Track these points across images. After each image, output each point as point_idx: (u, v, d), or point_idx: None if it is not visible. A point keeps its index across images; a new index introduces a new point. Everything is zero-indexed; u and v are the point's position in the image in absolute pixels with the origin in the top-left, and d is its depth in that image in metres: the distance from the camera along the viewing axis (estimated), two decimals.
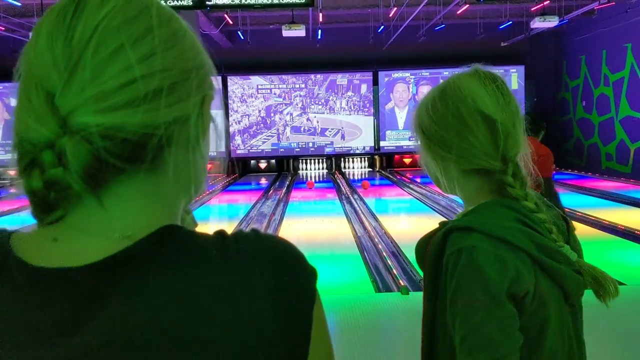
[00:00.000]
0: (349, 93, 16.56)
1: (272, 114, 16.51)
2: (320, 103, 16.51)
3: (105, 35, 0.56)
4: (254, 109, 16.44)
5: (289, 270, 0.61)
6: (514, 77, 16.48)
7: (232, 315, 0.55)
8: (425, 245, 1.18)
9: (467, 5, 11.88)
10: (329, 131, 16.57)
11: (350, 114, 16.56)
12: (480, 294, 1.02)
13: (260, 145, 16.45)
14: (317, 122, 16.52)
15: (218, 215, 10.21)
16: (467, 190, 1.19)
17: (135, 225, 0.58)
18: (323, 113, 16.51)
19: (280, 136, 16.47)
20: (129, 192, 0.58)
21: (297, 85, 16.46)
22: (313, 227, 8.27)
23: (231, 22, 13.63)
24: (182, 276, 0.56)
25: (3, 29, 12.56)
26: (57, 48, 0.55)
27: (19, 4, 11.20)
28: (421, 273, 4.18)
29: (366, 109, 16.57)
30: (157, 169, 0.59)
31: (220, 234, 0.61)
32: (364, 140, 16.60)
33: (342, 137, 16.57)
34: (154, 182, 0.60)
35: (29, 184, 0.55)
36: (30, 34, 0.61)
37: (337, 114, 16.54)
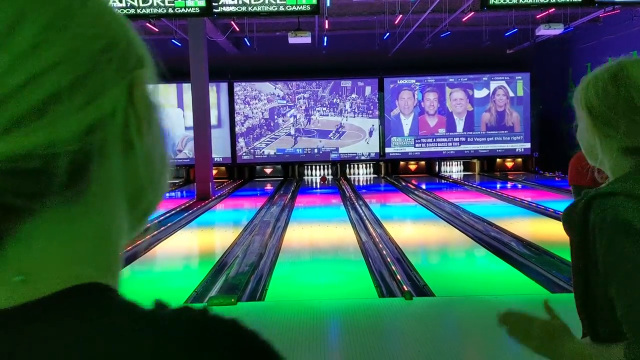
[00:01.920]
0: (353, 95, 16.60)
1: (275, 117, 16.56)
2: (324, 105, 16.55)
3: None
4: (257, 111, 16.50)
5: None
6: (519, 84, 16.49)
7: None
8: (570, 214, 1.23)
9: (473, 13, 11.92)
10: (333, 134, 16.58)
11: (355, 117, 16.60)
12: (634, 252, 1.05)
13: (263, 148, 16.47)
14: (320, 123, 16.56)
15: (223, 221, 10.24)
16: (620, 167, 1.24)
17: (45, 273, 0.43)
18: (327, 115, 16.54)
19: (285, 139, 16.50)
20: (38, 235, 0.43)
21: (301, 88, 16.54)
22: (318, 232, 8.29)
23: (238, 29, 13.71)
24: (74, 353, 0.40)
25: None
26: None
27: None
28: (425, 278, 4.18)
29: (370, 112, 16.59)
30: (77, 198, 0.44)
31: (158, 306, 0.44)
32: (369, 142, 16.60)
33: (339, 137, 16.55)
34: (74, 217, 0.44)
35: None
36: None
37: (341, 116, 16.56)
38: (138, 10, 8.47)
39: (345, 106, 16.53)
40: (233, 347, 0.42)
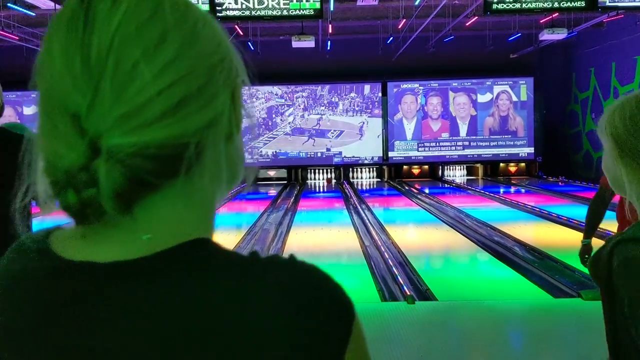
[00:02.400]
0: (352, 94, 16.61)
1: (273, 116, 16.58)
2: (322, 104, 16.57)
3: (121, 48, 0.53)
4: (254, 110, 16.54)
5: (320, 308, 0.54)
6: (523, 89, 16.48)
7: (252, 331, 0.52)
8: (597, 261, 1.19)
9: (476, 17, 11.92)
10: (331, 133, 16.58)
11: (353, 116, 16.61)
12: None
13: (261, 147, 16.48)
14: (319, 123, 16.58)
15: (226, 224, 10.24)
16: None
17: (165, 232, 0.56)
18: (325, 114, 16.56)
19: (282, 138, 16.51)
20: (162, 204, 0.55)
21: (299, 87, 16.57)
22: (320, 236, 8.29)
23: (242, 33, 13.75)
24: (198, 288, 0.53)
25: (17, 38, 12.73)
26: (75, 68, 0.53)
27: (33, 14, 11.36)
28: (427, 282, 4.18)
29: (369, 111, 16.58)
30: (192, 176, 0.56)
31: (254, 255, 0.57)
32: (367, 143, 16.59)
33: (338, 136, 16.56)
34: (189, 190, 0.57)
35: (64, 203, 0.54)
36: (40, 46, 0.58)
37: (340, 115, 16.56)
38: None
39: (344, 105, 16.53)
40: (320, 289, 0.55)
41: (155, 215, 0.55)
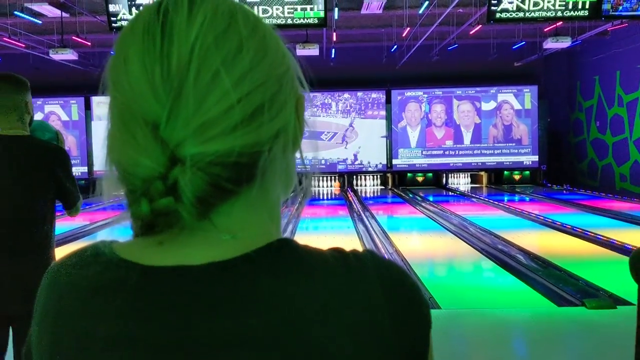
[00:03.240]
0: (346, 95, 16.62)
1: None
2: (315, 105, 16.60)
3: (202, 58, 0.54)
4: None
5: (409, 294, 0.60)
6: (527, 97, 16.49)
7: (351, 320, 0.55)
8: (637, 258, 1.17)
9: (480, 26, 11.96)
10: (325, 134, 16.58)
11: (346, 117, 16.62)
12: None
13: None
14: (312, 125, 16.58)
15: None
16: None
17: (249, 234, 0.58)
18: (319, 116, 16.58)
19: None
20: (237, 208, 0.57)
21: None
22: (324, 244, 8.27)
23: None
24: (300, 281, 0.56)
25: (24, 46, 12.81)
26: (155, 78, 0.54)
27: (40, 22, 11.44)
28: (431, 290, 4.17)
29: (362, 112, 16.58)
30: (266, 181, 0.59)
31: (338, 249, 0.61)
32: (347, 147, 16.54)
33: (343, 139, 16.57)
34: (264, 195, 0.60)
35: (136, 212, 0.55)
36: (113, 56, 0.59)
37: (332, 117, 16.57)
38: None
39: (337, 106, 16.54)
40: (422, 295, 0.61)
41: (235, 219, 0.57)
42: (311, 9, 8.48)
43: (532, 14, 8.69)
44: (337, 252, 0.60)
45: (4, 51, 13.66)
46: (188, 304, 0.54)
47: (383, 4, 10.54)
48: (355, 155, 16.62)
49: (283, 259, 0.57)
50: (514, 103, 16.55)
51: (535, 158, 16.56)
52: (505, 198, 13.97)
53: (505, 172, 16.80)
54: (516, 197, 14.26)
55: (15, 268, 2.38)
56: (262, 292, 0.54)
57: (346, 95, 16.55)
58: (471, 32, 12.68)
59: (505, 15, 8.70)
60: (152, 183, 0.53)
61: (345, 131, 16.58)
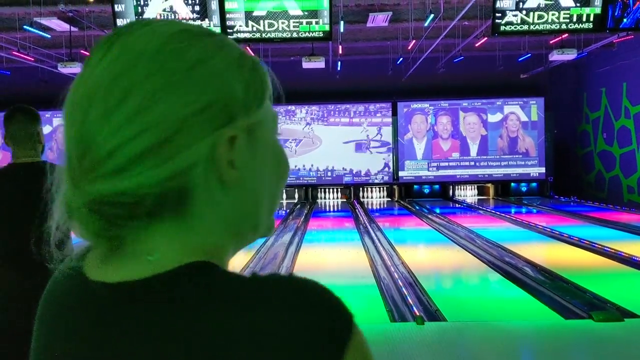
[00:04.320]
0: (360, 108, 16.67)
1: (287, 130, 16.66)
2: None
3: (94, 100, 0.57)
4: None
5: (322, 315, 0.55)
6: (533, 109, 16.48)
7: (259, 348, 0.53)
8: None
9: (486, 38, 11.99)
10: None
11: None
12: None
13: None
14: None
15: None
16: None
17: (165, 258, 0.58)
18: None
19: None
20: (158, 236, 0.58)
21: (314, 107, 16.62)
22: (330, 256, 8.29)
23: (252, 54, 13.90)
24: (206, 312, 0.54)
25: (33, 59, 12.95)
26: (69, 113, 0.60)
27: (49, 36, 11.56)
28: (437, 303, 4.16)
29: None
30: (182, 213, 0.58)
31: (254, 275, 0.57)
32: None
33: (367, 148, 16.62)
34: (181, 225, 0.59)
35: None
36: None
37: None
38: None
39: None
40: (318, 304, 0.56)
41: (152, 245, 0.58)
42: (316, 23, 8.54)
43: (537, 27, 8.71)
44: (250, 281, 0.57)
45: (13, 65, 13.81)
46: (98, 322, 0.58)
47: (389, 18, 10.59)
48: (386, 164, 16.56)
49: (189, 282, 0.56)
50: (520, 115, 16.54)
51: (542, 170, 16.52)
52: (512, 210, 13.93)
53: (512, 184, 16.76)
54: (523, 209, 14.22)
55: (33, 285, 2.42)
56: (156, 317, 0.55)
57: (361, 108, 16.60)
58: (477, 45, 12.71)
59: (510, 28, 8.73)
60: (74, 211, 0.59)
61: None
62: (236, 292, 0.55)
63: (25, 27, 10.81)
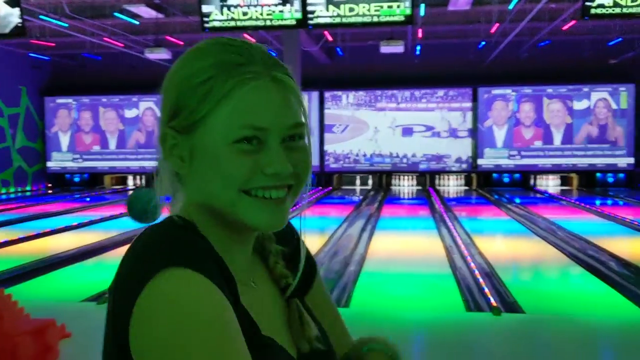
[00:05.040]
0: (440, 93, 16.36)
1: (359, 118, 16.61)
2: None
3: None
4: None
5: (137, 265, 0.73)
6: (623, 96, 15.66)
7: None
8: None
9: (574, 21, 11.47)
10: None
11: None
12: None
13: (350, 151, 16.55)
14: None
15: (310, 228, 10.39)
16: None
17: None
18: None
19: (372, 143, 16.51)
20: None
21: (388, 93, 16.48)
22: (404, 243, 8.25)
23: (331, 39, 13.92)
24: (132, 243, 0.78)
25: (122, 45, 13.53)
26: None
27: (137, 22, 12.04)
28: (514, 295, 4.09)
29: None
30: (183, 185, 0.85)
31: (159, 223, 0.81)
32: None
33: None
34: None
35: None
36: None
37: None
38: (238, 23, 8.81)
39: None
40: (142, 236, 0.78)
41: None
42: (398, 7, 8.44)
43: (630, 9, 8.25)
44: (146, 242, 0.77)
45: (104, 50, 14.48)
46: None
47: (471, 0, 10.31)
48: (464, 151, 16.33)
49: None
50: (609, 102, 15.75)
51: (631, 160, 15.70)
52: (598, 202, 13.35)
53: (598, 175, 16.04)
54: (609, 201, 13.59)
55: None
56: None
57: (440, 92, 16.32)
58: (564, 28, 12.19)
59: (601, 10, 8.31)
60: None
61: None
62: (139, 239, 0.77)
63: (115, 14, 11.30)
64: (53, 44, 14.13)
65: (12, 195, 15.17)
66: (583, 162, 15.89)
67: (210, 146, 0.78)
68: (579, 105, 15.85)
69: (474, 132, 16.27)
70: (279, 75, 0.80)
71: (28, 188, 16.41)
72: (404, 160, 16.47)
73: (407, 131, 16.45)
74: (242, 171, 0.77)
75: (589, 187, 15.87)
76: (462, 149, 16.31)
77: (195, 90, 0.78)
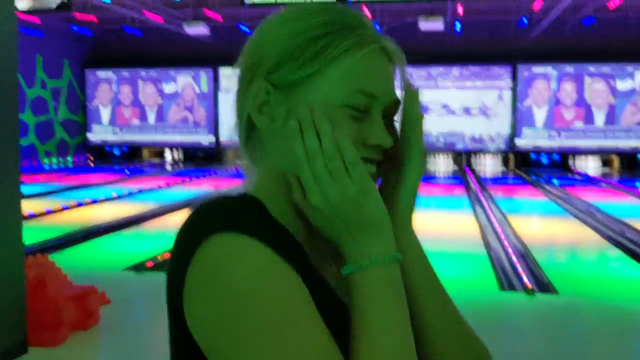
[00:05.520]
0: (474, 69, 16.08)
1: None
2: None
3: None
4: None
5: (190, 232, 0.70)
6: None
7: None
8: None
9: None
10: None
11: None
12: None
13: None
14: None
15: None
16: None
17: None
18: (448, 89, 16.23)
19: None
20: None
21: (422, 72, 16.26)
22: (439, 222, 8.22)
23: (370, 15, 13.78)
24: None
25: (162, 20, 13.64)
26: None
27: None
28: (549, 276, 4.05)
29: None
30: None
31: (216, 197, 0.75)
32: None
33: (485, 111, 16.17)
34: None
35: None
36: None
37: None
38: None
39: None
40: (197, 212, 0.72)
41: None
42: None
43: None
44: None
45: (144, 25, 14.62)
46: None
47: None
48: (502, 131, 16.13)
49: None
50: None
51: None
52: (639, 184, 13.02)
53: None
54: None
55: None
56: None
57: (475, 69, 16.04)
58: (610, 4, 11.80)
59: None
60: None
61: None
62: (198, 210, 0.72)
63: None
64: (95, 19, 14.33)
65: (55, 166, 15.60)
66: (626, 144, 15.48)
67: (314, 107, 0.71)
68: (622, 84, 15.38)
69: (512, 111, 15.97)
70: (389, 45, 0.76)
71: (70, 159, 16.82)
72: (440, 139, 16.30)
73: (445, 109, 16.25)
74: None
75: (631, 169, 15.47)
76: (500, 128, 16.05)
77: (308, 45, 0.72)
